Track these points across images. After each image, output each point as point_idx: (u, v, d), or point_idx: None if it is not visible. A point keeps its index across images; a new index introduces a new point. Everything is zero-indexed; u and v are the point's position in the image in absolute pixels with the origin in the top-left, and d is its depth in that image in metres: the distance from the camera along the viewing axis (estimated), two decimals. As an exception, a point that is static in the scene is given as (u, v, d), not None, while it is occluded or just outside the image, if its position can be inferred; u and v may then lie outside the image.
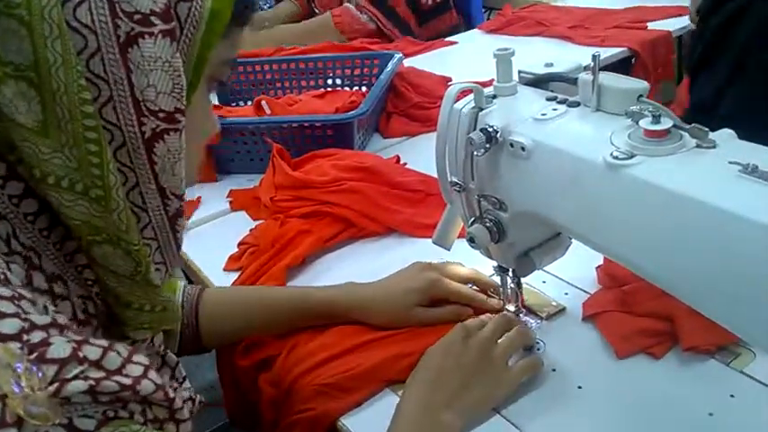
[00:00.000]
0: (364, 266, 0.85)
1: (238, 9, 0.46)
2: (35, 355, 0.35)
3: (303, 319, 0.75)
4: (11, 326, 0.35)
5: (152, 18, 0.38)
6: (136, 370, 0.38)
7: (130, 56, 0.38)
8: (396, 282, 0.76)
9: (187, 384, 0.52)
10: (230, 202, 1.12)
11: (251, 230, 1.00)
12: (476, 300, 0.77)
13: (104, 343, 0.38)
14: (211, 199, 1.14)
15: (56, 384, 0.34)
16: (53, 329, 0.37)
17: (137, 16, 0.38)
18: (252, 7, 0.50)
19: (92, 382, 0.35)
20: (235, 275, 0.92)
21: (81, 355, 0.36)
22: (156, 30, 0.39)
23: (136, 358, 0.39)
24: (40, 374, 0.34)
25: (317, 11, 2.10)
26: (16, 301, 0.36)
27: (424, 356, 0.66)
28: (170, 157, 0.42)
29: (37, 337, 0.36)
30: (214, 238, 1.04)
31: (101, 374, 0.36)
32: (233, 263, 0.95)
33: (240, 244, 0.98)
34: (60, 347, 0.36)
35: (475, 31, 1.95)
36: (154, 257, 0.44)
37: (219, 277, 0.93)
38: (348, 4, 1.94)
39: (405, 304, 0.74)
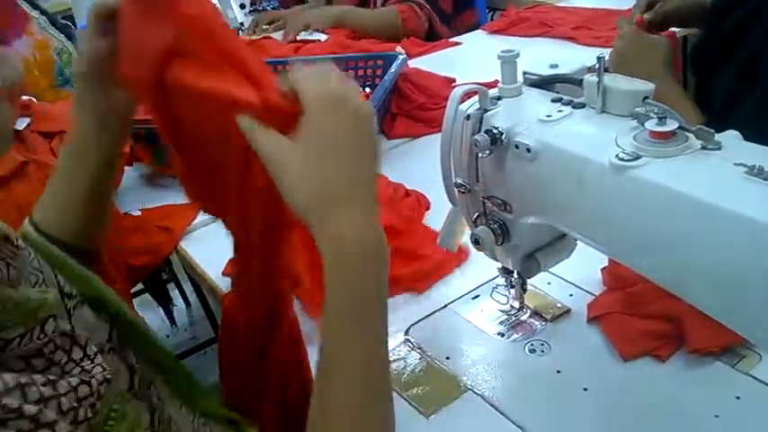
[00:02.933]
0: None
1: None
2: None
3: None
4: None
5: None
6: None
7: None
8: None
9: (99, 360, 0.49)
10: (234, 204, 1.12)
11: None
12: None
13: None
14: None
15: None
16: None
17: None
18: None
19: None
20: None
21: None
22: None
23: None
24: None
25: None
26: None
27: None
28: None
29: None
30: (218, 239, 1.04)
31: None
32: (231, 267, 0.94)
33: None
34: None
35: (478, 31, 1.95)
36: None
37: (225, 279, 0.93)
38: (410, 2, 1.97)
39: None
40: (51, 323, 0.46)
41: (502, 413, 0.66)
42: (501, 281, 0.78)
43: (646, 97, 0.55)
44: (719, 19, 1.07)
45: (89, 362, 0.49)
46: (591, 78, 0.58)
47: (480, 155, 0.63)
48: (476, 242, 0.69)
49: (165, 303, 1.98)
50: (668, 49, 1.09)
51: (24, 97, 1.11)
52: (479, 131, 0.62)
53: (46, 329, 0.46)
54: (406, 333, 0.79)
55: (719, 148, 0.50)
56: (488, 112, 0.63)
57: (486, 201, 0.67)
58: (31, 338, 0.44)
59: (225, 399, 0.83)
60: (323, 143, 0.50)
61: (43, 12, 1.43)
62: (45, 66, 1.43)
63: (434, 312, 0.82)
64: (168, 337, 2.17)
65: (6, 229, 0.42)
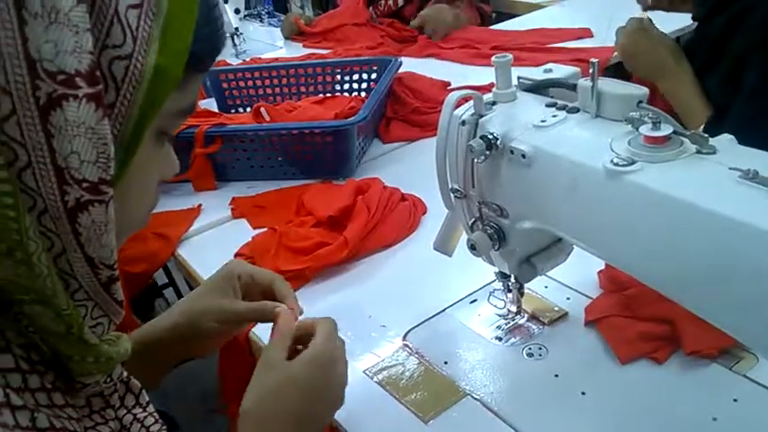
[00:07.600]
0: (366, 282, 0.85)
1: (199, 58, 0.42)
2: None
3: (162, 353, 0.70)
4: None
5: (77, 80, 0.35)
6: None
7: (52, 119, 0.35)
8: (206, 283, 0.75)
9: (151, 409, 0.52)
10: (232, 210, 1.12)
11: (247, 242, 1.00)
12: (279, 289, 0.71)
13: None
14: (212, 207, 1.14)
15: None
16: None
17: (60, 77, 0.35)
18: (216, 52, 0.46)
19: None
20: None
21: None
22: (81, 93, 0.36)
23: None
24: None
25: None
26: None
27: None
28: (96, 229, 0.39)
29: None
30: (215, 245, 1.04)
31: None
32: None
33: (236, 255, 0.98)
34: None
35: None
36: (91, 314, 0.43)
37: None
38: None
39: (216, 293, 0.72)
40: (118, 369, 0.48)
41: (500, 417, 0.66)
42: (498, 285, 0.78)
43: (640, 101, 0.55)
44: (705, 22, 1.08)
45: (141, 410, 0.51)
46: (585, 83, 0.58)
47: (476, 160, 0.63)
48: (472, 247, 0.69)
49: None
50: (673, 43, 1.09)
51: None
52: (474, 137, 0.62)
53: (113, 375, 0.47)
54: (404, 338, 0.79)
55: (714, 153, 0.50)
56: (483, 118, 0.63)
57: (481, 206, 0.67)
58: (99, 383, 0.46)
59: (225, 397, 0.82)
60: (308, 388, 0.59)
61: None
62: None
63: (432, 317, 0.82)
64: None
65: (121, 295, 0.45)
